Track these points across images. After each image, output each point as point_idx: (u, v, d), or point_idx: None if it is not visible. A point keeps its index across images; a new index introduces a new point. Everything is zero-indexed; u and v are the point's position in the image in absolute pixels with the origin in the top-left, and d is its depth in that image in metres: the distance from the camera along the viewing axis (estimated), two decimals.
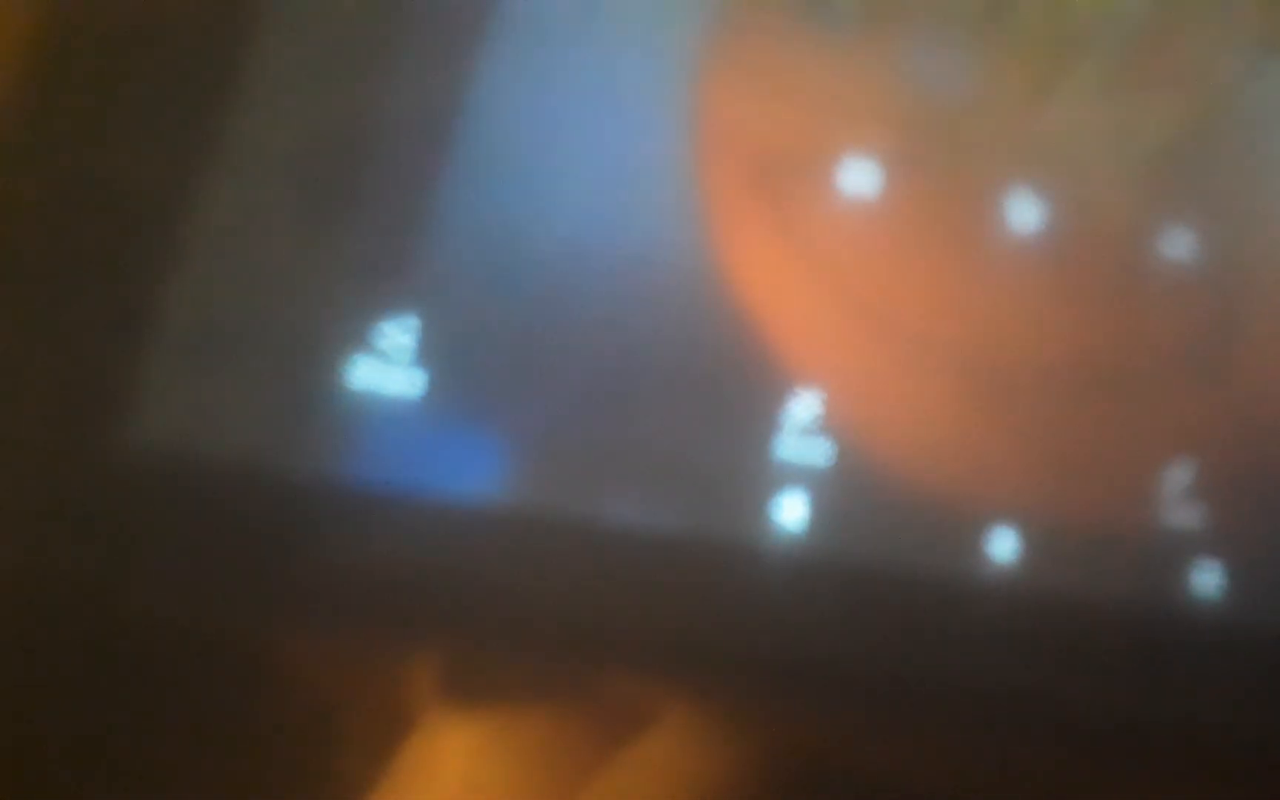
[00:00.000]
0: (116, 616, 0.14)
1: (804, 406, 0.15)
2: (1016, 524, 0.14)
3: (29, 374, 0.14)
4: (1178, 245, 0.17)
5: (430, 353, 0.15)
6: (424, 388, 0.14)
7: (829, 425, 0.15)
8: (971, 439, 0.15)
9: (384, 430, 0.14)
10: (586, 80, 0.16)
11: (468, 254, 0.15)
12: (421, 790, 0.14)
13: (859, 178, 0.17)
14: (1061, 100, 0.18)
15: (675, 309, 0.15)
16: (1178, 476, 0.15)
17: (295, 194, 0.15)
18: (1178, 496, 0.15)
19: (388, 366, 0.14)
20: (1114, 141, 0.18)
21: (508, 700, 0.14)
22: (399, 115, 0.16)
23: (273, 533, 0.14)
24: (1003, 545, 0.14)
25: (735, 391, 0.15)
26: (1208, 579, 0.14)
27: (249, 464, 0.14)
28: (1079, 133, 0.18)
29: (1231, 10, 0.19)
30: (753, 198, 0.16)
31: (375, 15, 0.16)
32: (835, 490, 0.14)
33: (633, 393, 0.15)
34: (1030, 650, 0.14)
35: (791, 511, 0.14)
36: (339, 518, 0.14)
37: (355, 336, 0.14)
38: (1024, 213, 0.17)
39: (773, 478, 0.14)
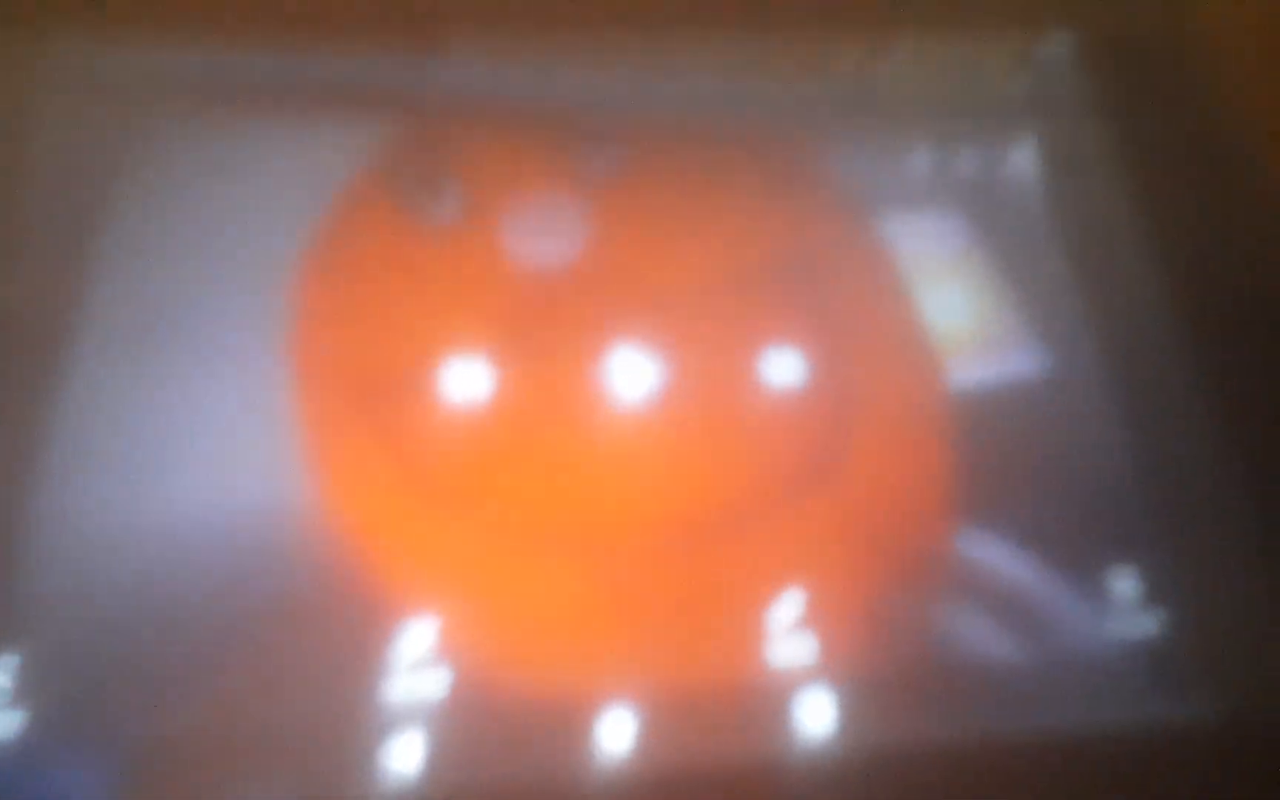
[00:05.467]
0: None
1: (415, 639, 0.15)
2: (634, 706, 0.14)
3: None
4: (784, 368, 0.18)
5: (28, 688, 0.14)
6: (23, 726, 0.14)
7: (442, 652, 0.15)
8: (587, 631, 0.15)
9: None
10: (173, 363, 0.16)
11: (63, 573, 0.15)
12: None
13: (464, 379, 0.17)
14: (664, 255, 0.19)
15: (278, 572, 0.15)
16: (787, 612, 0.15)
17: None
18: (788, 633, 0.15)
19: None
20: (714, 276, 0.18)
21: None
22: None
23: None
24: (622, 731, 0.14)
25: (340, 642, 0.15)
26: (821, 714, 0.14)
27: None
28: (679, 279, 0.18)
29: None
30: (354, 424, 0.16)
31: None
32: (451, 720, 0.14)
33: (239, 675, 0.14)
34: None
35: (406, 754, 0.14)
36: None
37: None
38: (631, 374, 0.17)
39: (385, 723, 0.14)
